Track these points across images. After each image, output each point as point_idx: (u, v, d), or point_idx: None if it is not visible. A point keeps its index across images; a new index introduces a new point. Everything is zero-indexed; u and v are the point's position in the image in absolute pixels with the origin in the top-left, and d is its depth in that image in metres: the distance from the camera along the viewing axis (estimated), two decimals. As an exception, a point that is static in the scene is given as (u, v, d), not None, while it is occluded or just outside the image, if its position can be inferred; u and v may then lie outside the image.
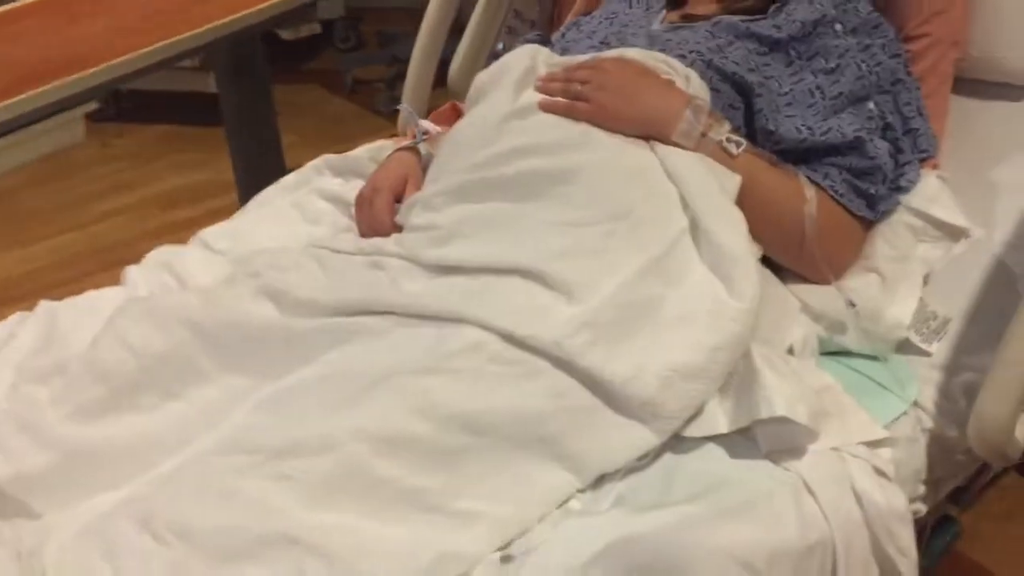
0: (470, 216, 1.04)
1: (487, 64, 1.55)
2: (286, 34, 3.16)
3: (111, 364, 0.97)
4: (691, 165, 1.05)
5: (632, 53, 1.16)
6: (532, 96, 1.13)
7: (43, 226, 2.66)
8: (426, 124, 1.27)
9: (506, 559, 0.87)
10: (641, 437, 0.93)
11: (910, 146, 1.16)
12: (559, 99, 1.11)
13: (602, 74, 1.11)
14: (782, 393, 0.92)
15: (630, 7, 1.36)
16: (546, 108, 1.10)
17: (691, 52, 1.15)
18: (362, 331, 0.96)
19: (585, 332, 0.93)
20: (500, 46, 1.58)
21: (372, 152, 1.38)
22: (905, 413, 1.06)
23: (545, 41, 1.40)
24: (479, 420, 0.89)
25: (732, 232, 1.00)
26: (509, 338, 0.93)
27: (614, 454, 0.92)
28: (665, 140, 1.08)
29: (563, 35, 1.38)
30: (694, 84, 1.12)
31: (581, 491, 0.93)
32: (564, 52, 1.29)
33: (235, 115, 1.75)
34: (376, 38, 3.67)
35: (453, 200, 1.06)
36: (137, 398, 0.96)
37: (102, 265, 2.45)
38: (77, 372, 0.97)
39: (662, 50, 1.17)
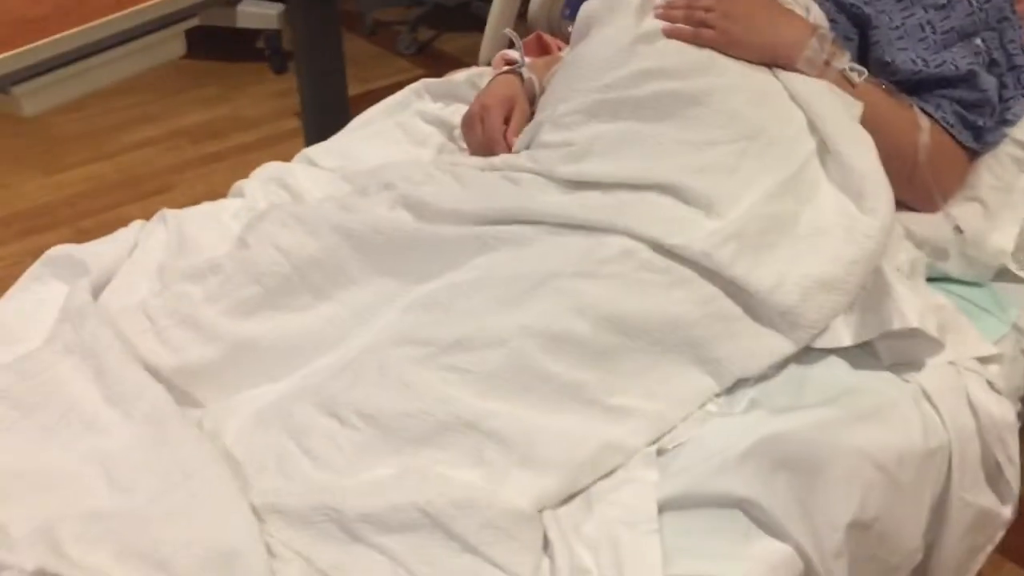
0: (604, 134, 1.07)
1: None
2: None
3: (264, 265, 1.00)
4: (818, 91, 1.09)
5: None
6: (655, 23, 1.16)
7: (73, 154, 2.64)
8: (514, 54, 1.29)
9: (661, 451, 0.91)
10: (780, 345, 0.98)
11: (1014, 82, 1.20)
12: (684, 26, 1.14)
13: (727, 2, 1.14)
14: (914, 306, 0.97)
15: None
16: (671, 34, 1.13)
17: None
18: (510, 239, 0.99)
19: (731, 243, 0.97)
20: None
21: (471, 77, 1.40)
22: (1006, 335, 1.11)
23: None
24: (631, 322, 0.93)
25: (863, 153, 1.04)
26: (658, 247, 0.96)
27: (754, 360, 0.97)
28: (789, 67, 1.12)
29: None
30: (814, 14, 1.16)
31: (717, 395, 0.98)
32: None
33: (306, 41, 1.75)
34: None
35: (586, 118, 1.09)
36: (292, 298, 0.99)
37: (135, 195, 2.45)
38: (231, 271, 1.00)
39: None
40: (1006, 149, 1.18)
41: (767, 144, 1.06)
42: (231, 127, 2.83)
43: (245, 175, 1.28)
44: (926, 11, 1.19)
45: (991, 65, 1.19)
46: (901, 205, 1.17)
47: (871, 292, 1.00)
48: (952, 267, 1.15)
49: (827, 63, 1.11)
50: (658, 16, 1.17)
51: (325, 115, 1.42)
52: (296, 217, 1.04)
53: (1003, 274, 1.17)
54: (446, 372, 0.88)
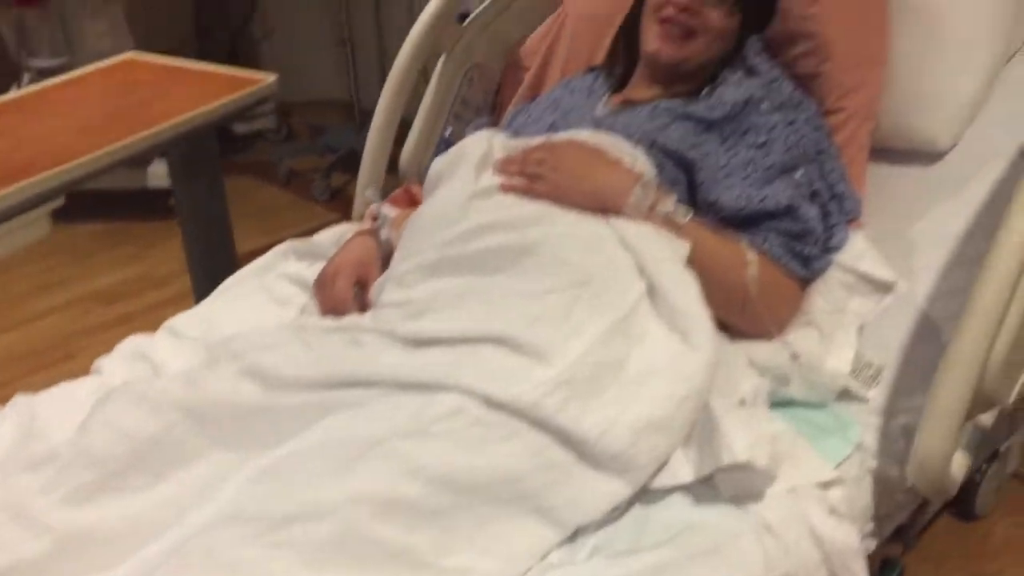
0: (442, 290, 1.11)
1: (437, 149, 1.64)
2: (241, 128, 3.20)
3: (102, 449, 1.00)
4: (645, 235, 1.14)
5: (583, 135, 1.26)
6: (491, 178, 1.22)
7: (-22, 326, 2.63)
8: (384, 209, 1.34)
9: (496, 612, 0.91)
10: (615, 489, 0.99)
11: (837, 209, 1.27)
12: (518, 180, 1.19)
13: (556, 155, 1.20)
14: (742, 439, 1.00)
15: (572, 94, 1.46)
16: (506, 188, 1.19)
17: (636, 132, 1.26)
18: (346, 402, 1.01)
19: (560, 392, 0.99)
20: (447, 132, 1.67)
21: (335, 237, 1.44)
22: (850, 455, 1.14)
23: (493, 127, 1.49)
24: (463, 480, 0.95)
25: (686, 292, 1.09)
26: (489, 401, 0.99)
27: (590, 507, 0.98)
28: (617, 213, 1.17)
29: (511, 121, 1.48)
30: (640, 162, 1.22)
31: (559, 545, 0.98)
32: (514, 137, 1.38)
33: (191, 209, 1.80)
34: (307, 130, 3.76)
35: (425, 276, 1.13)
36: (128, 480, 0.99)
37: (38, 365, 2.43)
38: (68, 458, 1.00)
39: (608, 132, 1.27)
40: (834, 274, 1.24)
41: (598, 290, 1.09)
42: (144, 286, 2.84)
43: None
44: (748, 150, 1.26)
45: (814, 195, 1.26)
46: (745, 334, 1.22)
47: (703, 427, 1.03)
48: (795, 391, 1.18)
49: (652, 208, 1.17)
50: (496, 171, 1.23)
51: (215, 281, 1.43)
52: (140, 396, 1.05)
53: (846, 394, 1.21)
54: (274, 549, 0.88)
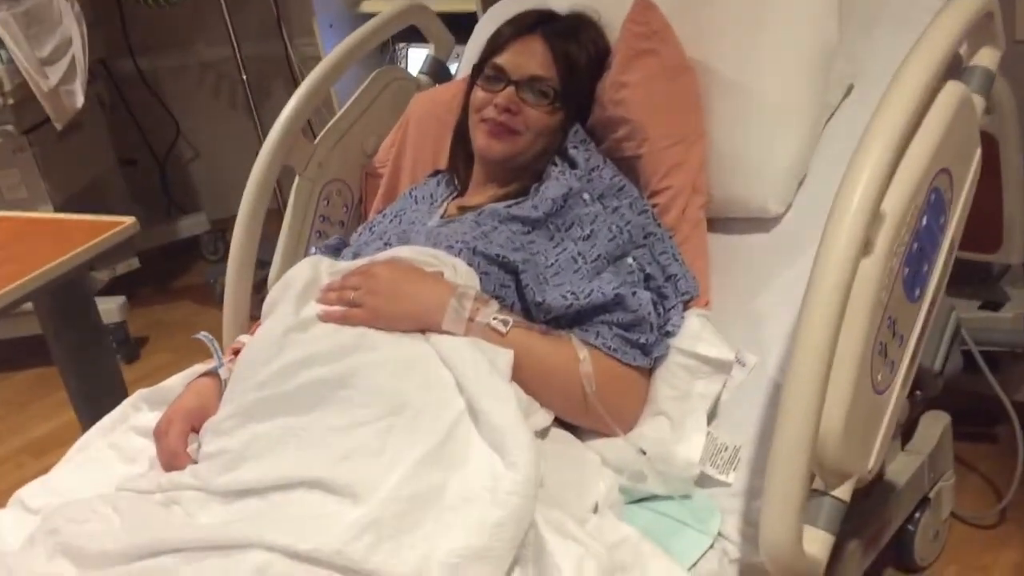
0: (258, 436, 1.07)
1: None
2: (101, 275, 3.16)
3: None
4: (462, 350, 1.10)
5: (404, 252, 1.23)
6: (313, 308, 1.19)
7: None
8: (233, 347, 1.31)
9: None
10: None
11: (673, 291, 1.24)
12: (336, 308, 1.17)
13: (371, 279, 1.17)
14: (570, 557, 0.95)
15: (416, 203, 1.45)
16: (324, 318, 1.16)
17: (458, 243, 1.23)
18: (155, 573, 0.96)
19: (368, 534, 0.95)
20: (313, 250, 1.65)
21: (185, 379, 1.40)
22: (711, 547, 1.09)
23: (344, 244, 1.47)
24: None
25: (503, 408, 1.04)
26: (294, 555, 0.94)
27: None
28: (437, 329, 1.14)
29: (358, 236, 1.46)
30: (461, 272, 1.19)
31: None
32: (356, 255, 1.36)
33: (69, 361, 1.77)
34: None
35: (242, 422, 1.09)
36: None
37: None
38: None
39: (434, 244, 1.25)
40: (675, 359, 1.20)
41: (413, 416, 1.06)
42: (77, 434, 2.80)
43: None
44: (575, 243, 1.23)
45: (648, 279, 1.23)
46: (597, 433, 1.18)
47: (531, 548, 0.98)
48: (652, 486, 1.14)
49: (471, 319, 1.14)
50: (317, 300, 1.20)
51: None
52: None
53: (709, 479, 1.16)
54: None
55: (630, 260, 1.22)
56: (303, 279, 1.23)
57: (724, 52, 1.36)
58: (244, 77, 3.17)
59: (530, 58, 1.34)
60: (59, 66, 2.85)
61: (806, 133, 1.32)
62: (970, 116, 1.17)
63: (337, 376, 1.09)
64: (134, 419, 1.37)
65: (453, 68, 1.85)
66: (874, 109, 1.01)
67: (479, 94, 1.36)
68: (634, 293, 1.19)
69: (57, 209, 3.00)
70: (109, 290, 3.19)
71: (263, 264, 3.38)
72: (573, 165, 1.31)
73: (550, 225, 1.25)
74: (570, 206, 1.25)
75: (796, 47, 1.33)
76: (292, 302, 1.19)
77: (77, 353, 1.75)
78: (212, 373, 1.29)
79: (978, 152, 1.22)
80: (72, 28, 2.91)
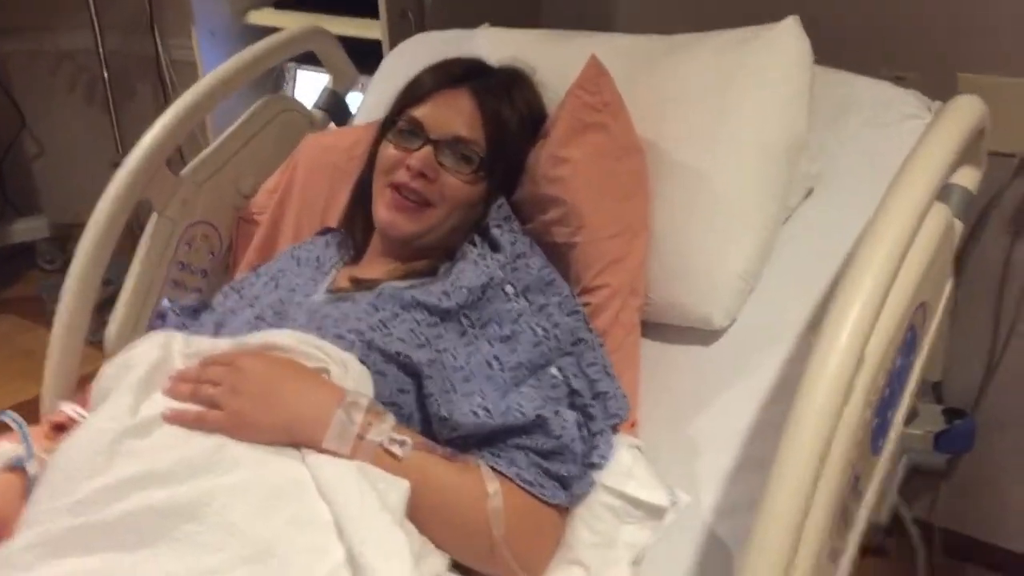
0: (69, 576, 0.81)
1: (150, 326, 1.36)
2: None
3: None
4: (346, 479, 0.88)
5: (282, 337, 0.99)
6: (159, 402, 0.94)
7: None
8: (68, 411, 1.04)
9: None
10: None
11: (601, 412, 1.04)
12: (189, 407, 0.92)
13: (236, 373, 0.93)
14: None
15: (297, 266, 1.22)
16: (172, 419, 0.91)
17: (350, 331, 1.01)
18: None
19: None
20: (165, 303, 1.39)
21: None
22: None
23: (204, 307, 1.22)
24: None
25: (391, 566, 0.83)
26: None
27: None
28: (315, 447, 0.91)
29: (224, 299, 1.21)
30: (352, 372, 0.97)
31: None
32: (219, 326, 1.12)
33: None
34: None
35: (45, 555, 0.83)
36: None
37: None
38: None
39: (319, 329, 1.02)
40: (599, 498, 1.00)
41: (281, 564, 0.82)
42: None
43: None
44: (491, 344, 1.03)
45: (573, 395, 1.03)
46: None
47: None
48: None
49: (361, 437, 0.91)
50: (166, 393, 0.95)
51: None
52: None
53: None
54: None
55: (554, 371, 1.03)
56: (148, 362, 0.97)
57: (679, 135, 1.18)
58: (105, 73, 2.86)
59: (455, 115, 1.13)
60: None
61: (762, 238, 1.15)
62: (950, 242, 1.04)
63: (181, 504, 0.84)
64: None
65: (353, 102, 1.62)
66: (836, 216, 0.86)
67: (389, 151, 1.14)
68: (557, 412, 0.99)
69: None
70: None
71: (108, 282, 3.05)
72: (495, 247, 1.11)
73: (463, 319, 1.04)
74: (489, 299, 1.05)
75: (761, 139, 1.16)
76: (131, 392, 0.94)
77: None
78: (16, 468, 1.01)
79: (951, 280, 1.09)
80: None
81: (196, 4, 2.14)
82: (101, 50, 2.80)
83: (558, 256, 1.14)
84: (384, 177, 1.13)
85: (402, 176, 1.11)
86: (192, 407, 0.92)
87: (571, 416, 1.00)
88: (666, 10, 1.91)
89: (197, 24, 2.14)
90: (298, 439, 0.91)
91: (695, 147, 1.17)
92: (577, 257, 1.13)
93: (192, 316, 1.20)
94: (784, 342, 1.09)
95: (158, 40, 2.79)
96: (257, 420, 0.91)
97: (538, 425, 0.97)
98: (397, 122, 1.15)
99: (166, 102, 2.86)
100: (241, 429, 0.91)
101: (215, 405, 0.92)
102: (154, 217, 1.38)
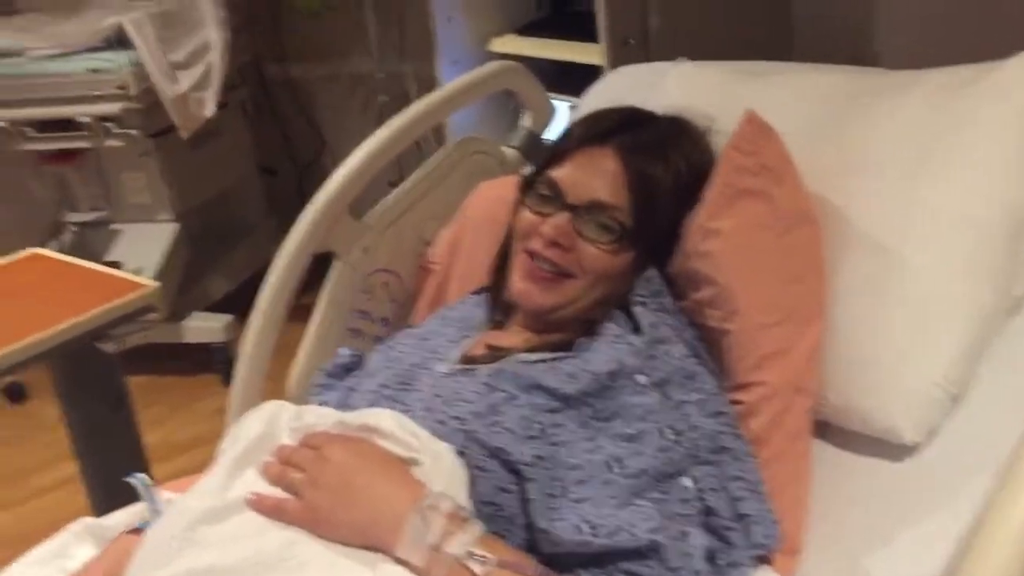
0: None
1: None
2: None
3: None
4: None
5: (383, 419, 0.92)
6: (249, 482, 0.90)
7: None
8: (163, 496, 1.03)
9: None
10: None
11: (742, 539, 0.86)
12: (272, 492, 0.87)
13: (319, 463, 0.87)
14: None
15: (444, 327, 1.14)
16: (253, 505, 0.87)
17: (454, 418, 0.91)
18: None
19: None
20: (345, 352, 1.37)
21: (131, 518, 1.14)
22: None
23: (357, 363, 1.18)
24: None
25: None
26: None
27: None
28: (389, 551, 0.82)
29: (378, 354, 1.16)
30: (444, 466, 0.87)
31: None
32: (350, 392, 1.07)
33: (85, 439, 1.57)
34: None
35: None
36: None
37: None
38: None
39: (429, 410, 0.93)
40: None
41: None
42: (167, 452, 2.66)
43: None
44: (614, 443, 0.88)
45: (708, 513, 0.86)
46: None
47: None
48: None
49: (437, 548, 0.81)
50: (262, 470, 0.91)
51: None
52: None
53: None
54: None
55: (687, 482, 0.86)
56: (249, 437, 0.94)
57: (870, 200, 0.96)
58: (380, 96, 2.97)
59: (596, 177, 0.99)
60: (192, 72, 2.73)
61: (972, 336, 0.90)
62: None
63: (244, 605, 0.79)
64: (76, 551, 1.12)
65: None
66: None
67: (525, 215, 1.03)
68: (684, 535, 0.83)
69: (178, 217, 2.90)
70: (221, 305, 3.07)
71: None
72: (637, 329, 0.96)
73: (585, 407, 0.91)
74: (617, 388, 0.90)
75: (975, 209, 0.91)
76: (226, 469, 0.91)
77: (94, 432, 1.55)
78: (140, 530, 1.02)
79: None
80: (212, 33, 2.78)
81: (440, 32, 2.14)
82: (378, 74, 2.91)
83: (712, 342, 0.97)
84: (520, 243, 1.02)
85: (536, 244, 1.00)
86: (276, 492, 0.87)
87: (699, 542, 0.84)
88: (938, 41, 1.62)
89: (440, 53, 2.14)
90: (372, 542, 0.83)
91: (889, 217, 0.94)
92: (730, 346, 0.95)
93: (343, 374, 1.16)
94: (992, 473, 0.84)
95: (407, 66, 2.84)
96: (332, 517, 0.84)
97: (652, 551, 0.82)
98: (535, 183, 1.03)
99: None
100: (317, 524, 0.84)
101: (296, 493, 0.86)
102: (336, 264, 1.36)
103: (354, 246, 1.36)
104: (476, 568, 0.81)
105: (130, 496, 1.14)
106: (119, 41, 2.56)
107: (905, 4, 1.74)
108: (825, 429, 0.97)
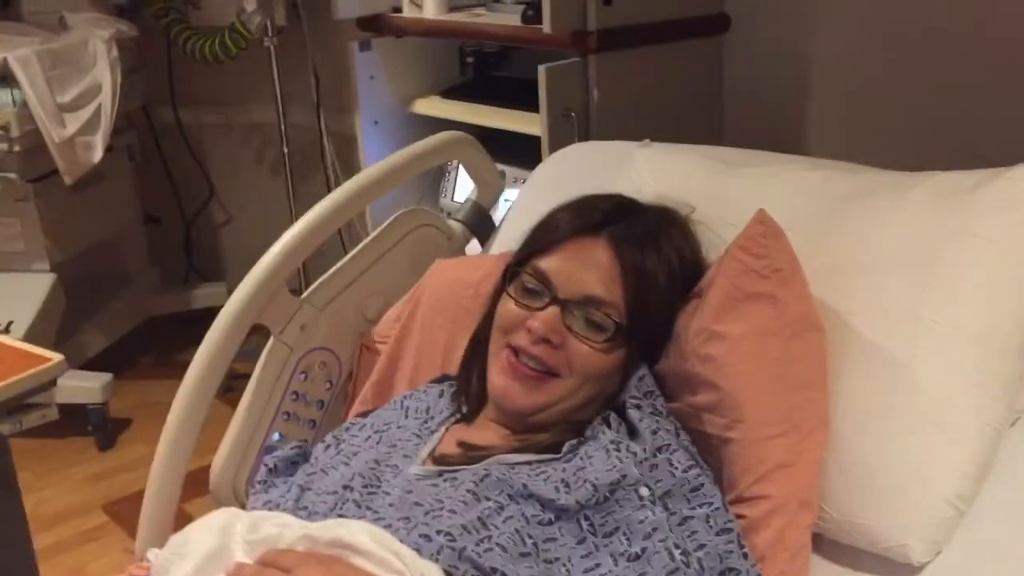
0: None
1: (257, 463, 1.23)
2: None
3: None
4: None
5: (358, 536, 0.82)
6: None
7: None
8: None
9: None
10: None
11: (750, 668, 0.81)
12: (235, 620, 0.76)
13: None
14: None
15: (405, 418, 1.05)
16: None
17: (440, 532, 0.82)
18: None
19: None
20: (276, 437, 1.26)
21: None
22: None
23: (302, 456, 1.08)
24: None
25: None
26: None
27: None
28: None
29: (324, 451, 1.06)
30: (430, 582, 0.78)
31: None
32: (303, 491, 0.97)
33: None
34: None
35: None
36: None
37: None
38: None
39: (406, 520, 0.84)
40: None
41: None
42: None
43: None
44: (615, 561, 0.81)
45: (717, 643, 0.80)
46: None
47: None
48: None
49: None
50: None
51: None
52: None
53: None
54: None
55: (691, 608, 0.80)
56: (201, 554, 0.83)
57: (873, 309, 0.93)
58: (285, 148, 2.85)
59: (589, 270, 0.94)
60: (81, 114, 2.56)
61: (980, 450, 0.88)
62: None
63: None
64: None
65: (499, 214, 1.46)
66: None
67: (510, 307, 0.96)
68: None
69: (54, 267, 2.69)
70: (97, 362, 2.86)
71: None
72: (632, 433, 0.90)
73: (583, 521, 0.84)
74: (618, 501, 0.84)
75: (982, 321, 0.90)
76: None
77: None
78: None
79: None
80: (104, 75, 2.61)
81: (362, 91, 2.06)
82: (283, 126, 2.80)
83: (709, 449, 0.92)
84: (503, 336, 0.95)
85: (522, 339, 0.93)
86: (239, 621, 0.76)
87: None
88: (868, 140, 1.65)
89: (361, 113, 2.06)
90: None
91: (894, 326, 0.91)
92: (732, 456, 0.90)
93: (288, 469, 1.06)
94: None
95: (321, 120, 2.75)
96: (307, 656, 0.74)
97: None
98: (521, 273, 0.96)
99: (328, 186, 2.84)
100: (289, 663, 0.74)
101: (265, 626, 0.75)
102: (270, 341, 1.26)
103: (290, 323, 1.25)
104: None
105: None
106: (3, 78, 2.37)
107: (833, 93, 1.78)
108: (821, 545, 0.92)
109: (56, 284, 2.69)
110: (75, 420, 2.85)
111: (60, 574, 2.26)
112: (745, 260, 0.93)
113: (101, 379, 2.72)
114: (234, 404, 1.27)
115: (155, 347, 3.18)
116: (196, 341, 1.21)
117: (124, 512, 2.50)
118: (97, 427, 2.77)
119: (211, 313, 1.22)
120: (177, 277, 3.36)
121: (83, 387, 2.73)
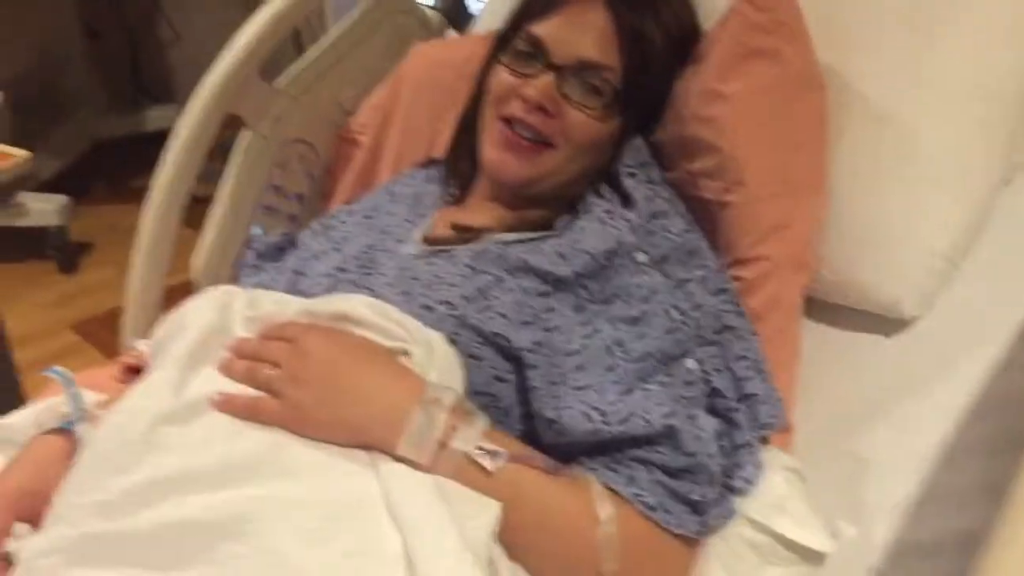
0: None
1: (240, 255, 1.22)
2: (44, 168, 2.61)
3: None
4: (418, 499, 0.71)
5: (358, 307, 0.82)
6: (209, 380, 0.78)
7: None
8: (89, 396, 0.90)
9: None
10: None
11: (748, 419, 0.83)
12: (241, 391, 0.76)
13: (300, 357, 0.77)
14: None
15: (393, 203, 1.03)
16: (221, 406, 0.76)
17: (441, 302, 0.82)
18: None
19: None
20: (258, 230, 1.24)
21: (39, 418, 0.99)
22: None
23: (290, 243, 1.06)
24: None
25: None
26: None
27: None
28: (391, 452, 0.74)
29: (311, 238, 1.04)
30: (438, 356, 0.79)
31: None
32: (298, 276, 0.96)
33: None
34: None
35: (69, 563, 0.70)
36: None
37: None
38: None
39: (405, 294, 0.84)
40: (741, 532, 0.80)
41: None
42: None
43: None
44: (614, 326, 0.82)
45: (713, 395, 0.83)
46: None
47: None
48: None
49: (443, 444, 0.74)
50: (220, 368, 0.79)
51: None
52: None
53: None
54: None
55: (691, 364, 0.82)
56: (201, 327, 0.82)
57: (874, 66, 0.91)
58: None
59: (585, 33, 0.90)
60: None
61: (974, 206, 0.89)
62: None
63: (221, 518, 0.69)
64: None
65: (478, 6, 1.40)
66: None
67: (503, 76, 0.93)
68: (693, 418, 0.79)
69: (2, 85, 2.57)
70: (52, 185, 2.78)
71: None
72: (627, 202, 0.89)
73: (580, 290, 0.84)
74: (615, 268, 0.84)
75: (983, 75, 0.89)
76: (177, 364, 0.79)
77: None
78: (64, 430, 0.88)
79: None
80: None
81: None
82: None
83: (706, 215, 0.92)
84: (495, 108, 0.93)
85: (516, 108, 0.90)
86: (246, 391, 0.77)
87: (709, 424, 0.80)
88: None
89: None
90: (369, 442, 0.74)
91: (894, 83, 0.90)
92: (730, 220, 0.90)
93: (275, 255, 1.05)
94: (993, 344, 0.85)
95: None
96: (320, 417, 0.74)
97: (666, 436, 0.77)
98: (513, 40, 0.93)
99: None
100: (301, 425, 0.74)
101: (273, 392, 0.76)
102: (246, 134, 1.22)
103: (265, 114, 1.21)
104: (486, 463, 0.74)
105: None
106: None
107: None
108: (812, 308, 0.94)
109: (3, 103, 2.59)
110: (33, 245, 2.80)
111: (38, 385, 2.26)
112: (749, 14, 0.90)
113: (58, 201, 2.66)
114: (197, 228, 1.23)
115: (107, 172, 3.10)
116: (149, 165, 1.16)
117: (94, 330, 2.49)
118: (58, 249, 2.72)
119: (162, 136, 1.16)
120: (124, 99, 3.24)
121: (40, 209, 2.67)
